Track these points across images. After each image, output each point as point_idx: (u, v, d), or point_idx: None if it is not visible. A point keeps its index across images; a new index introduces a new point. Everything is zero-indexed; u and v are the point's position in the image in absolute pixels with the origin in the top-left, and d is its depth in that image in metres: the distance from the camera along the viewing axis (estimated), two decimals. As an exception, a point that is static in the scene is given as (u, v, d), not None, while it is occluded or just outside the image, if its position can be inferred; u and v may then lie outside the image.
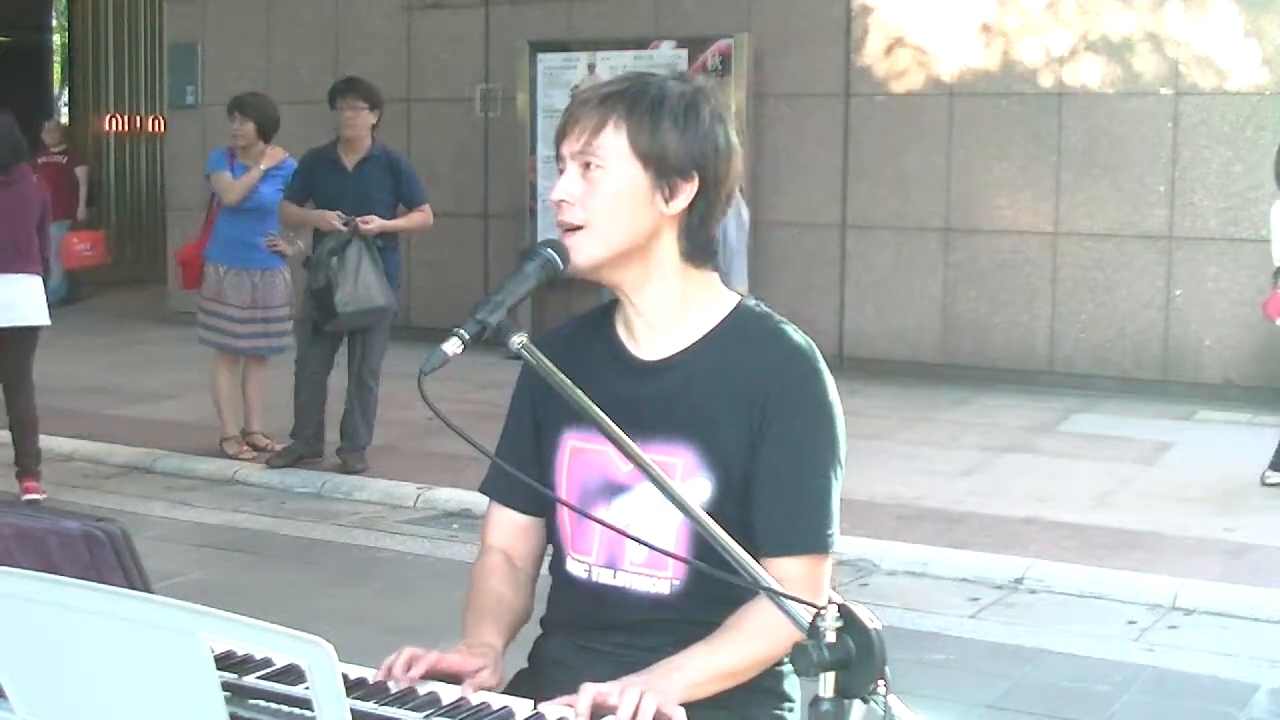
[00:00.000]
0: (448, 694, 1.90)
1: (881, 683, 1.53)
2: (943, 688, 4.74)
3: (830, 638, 1.53)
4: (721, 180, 2.13)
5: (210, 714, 1.43)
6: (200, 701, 1.42)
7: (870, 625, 1.53)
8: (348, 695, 1.46)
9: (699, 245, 2.15)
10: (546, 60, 11.33)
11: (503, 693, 1.98)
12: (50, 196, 7.64)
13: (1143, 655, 5.17)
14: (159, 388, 10.00)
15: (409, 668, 1.93)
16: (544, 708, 1.86)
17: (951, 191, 10.35)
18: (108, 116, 18.48)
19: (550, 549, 2.29)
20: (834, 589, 2.15)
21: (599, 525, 2.13)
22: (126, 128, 18.61)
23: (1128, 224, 9.89)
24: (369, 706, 1.85)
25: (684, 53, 10.76)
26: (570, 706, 1.84)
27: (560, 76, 11.05)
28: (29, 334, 6.89)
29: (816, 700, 1.55)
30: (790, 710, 2.20)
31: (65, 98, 19.33)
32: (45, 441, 7.21)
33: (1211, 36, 9.61)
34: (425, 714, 1.84)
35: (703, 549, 1.98)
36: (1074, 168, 10.00)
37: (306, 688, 1.42)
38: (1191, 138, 9.69)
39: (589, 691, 1.84)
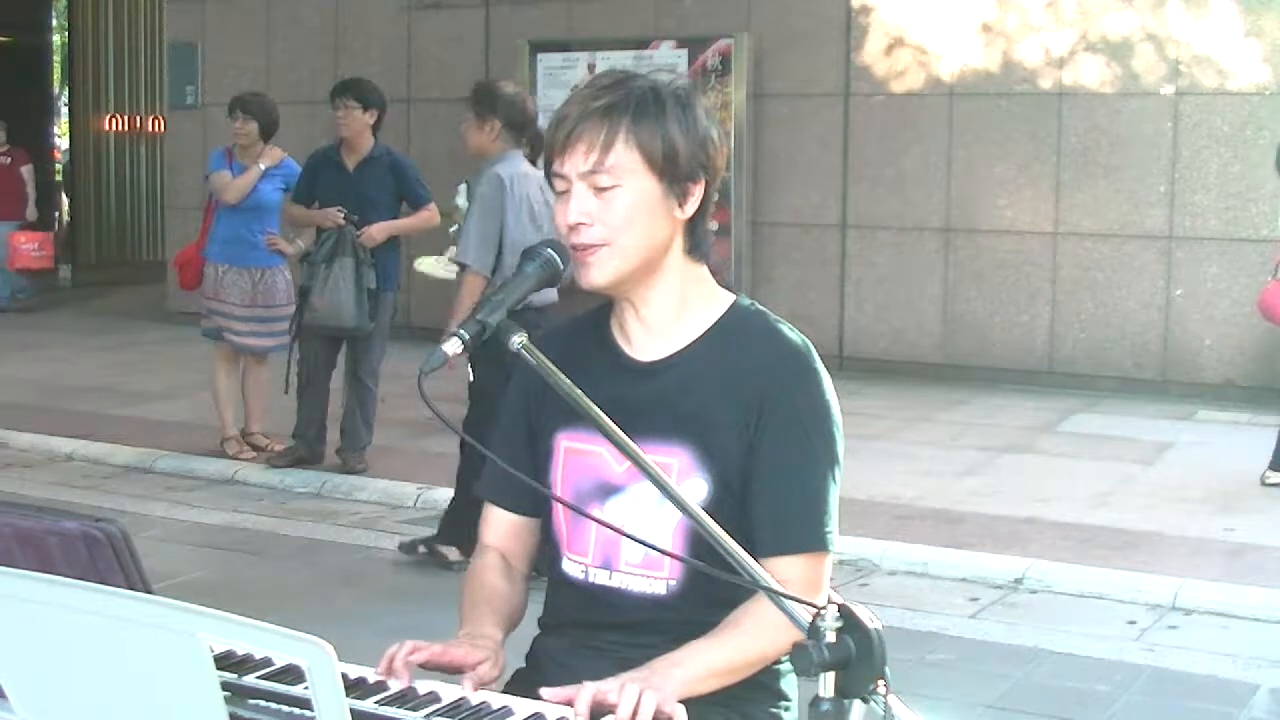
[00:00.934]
0: (448, 693, 1.90)
1: (881, 683, 1.53)
2: (943, 688, 4.74)
3: (830, 638, 1.53)
4: (717, 173, 2.14)
5: (210, 714, 1.43)
6: (200, 701, 1.42)
7: (870, 625, 1.53)
8: (347, 695, 1.46)
9: (699, 239, 2.16)
10: (546, 60, 11.33)
11: (501, 692, 1.98)
12: None
13: (1143, 655, 5.17)
14: (159, 388, 10.00)
15: (410, 656, 1.93)
16: (543, 707, 1.85)
17: (951, 191, 10.35)
18: (108, 116, 18.47)
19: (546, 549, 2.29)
20: (834, 589, 2.16)
21: (595, 526, 2.13)
22: (126, 128, 18.61)
23: (1128, 224, 9.89)
24: (369, 706, 1.85)
25: (684, 53, 10.76)
26: (569, 704, 1.83)
27: (560, 76, 11.04)
28: None
29: (816, 700, 1.55)
30: (787, 709, 2.20)
31: (65, 98, 19.31)
32: (45, 441, 7.21)
33: (1211, 36, 9.61)
34: (425, 714, 1.84)
35: (700, 550, 1.98)
36: (1074, 168, 10.00)
37: (306, 688, 1.42)
38: (1191, 138, 9.69)
39: (589, 690, 1.84)
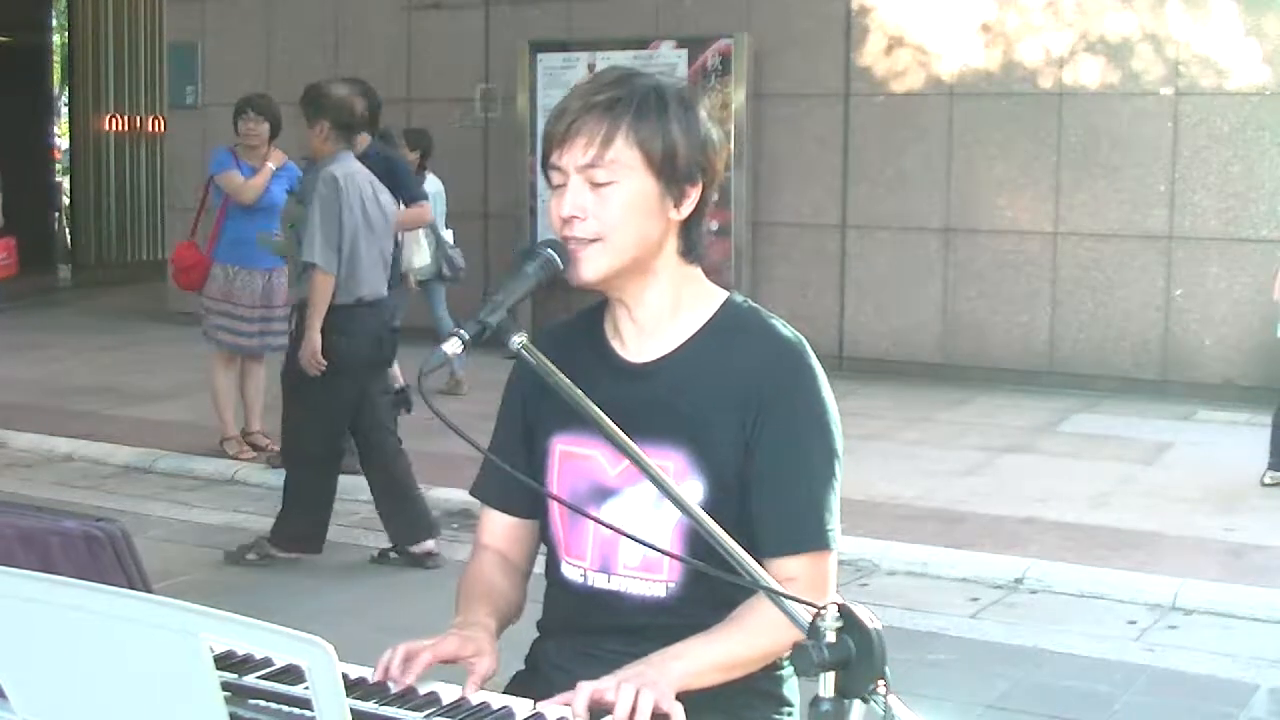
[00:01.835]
0: (448, 694, 1.90)
1: (881, 683, 1.53)
2: (943, 688, 4.74)
3: (830, 638, 1.53)
4: (716, 175, 2.13)
5: (210, 714, 1.43)
6: (200, 701, 1.42)
7: (870, 625, 1.53)
8: (347, 695, 1.46)
9: (694, 241, 2.15)
10: (546, 60, 11.33)
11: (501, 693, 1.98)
12: None
13: (1143, 655, 5.17)
14: (159, 388, 10.00)
15: (406, 662, 1.93)
16: (542, 707, 1.86)
17: (951, 191, 10.35)
18: (108, 116, 18.48)
19: (544, 552, 2.28)
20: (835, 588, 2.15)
21: (593, 530, 2.12)
22: (126, 128, 18.61)
23: (1128, 224, 9.89)
24: (369, 706, 1.85)
25: (684, 53, 10.76)
26: (568, 705, 1.84)
27: (560, 76, 11.04)
28: None
29: (816, 700, 1.55)
30: (789, 714, 2.19)
31: (65, 98, 19.32)
32: (45, 441, 7.21)
33: (1211, 36, 9.61)
34: (425, 714, 1.84)
35: (698, 553, 1.97)
36: (1074, 168, 10.00)
37: (306, 688, 1.42)
38: (1191, 138, 9.69)
39: (585, 689, 1.84)
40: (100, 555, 1.67)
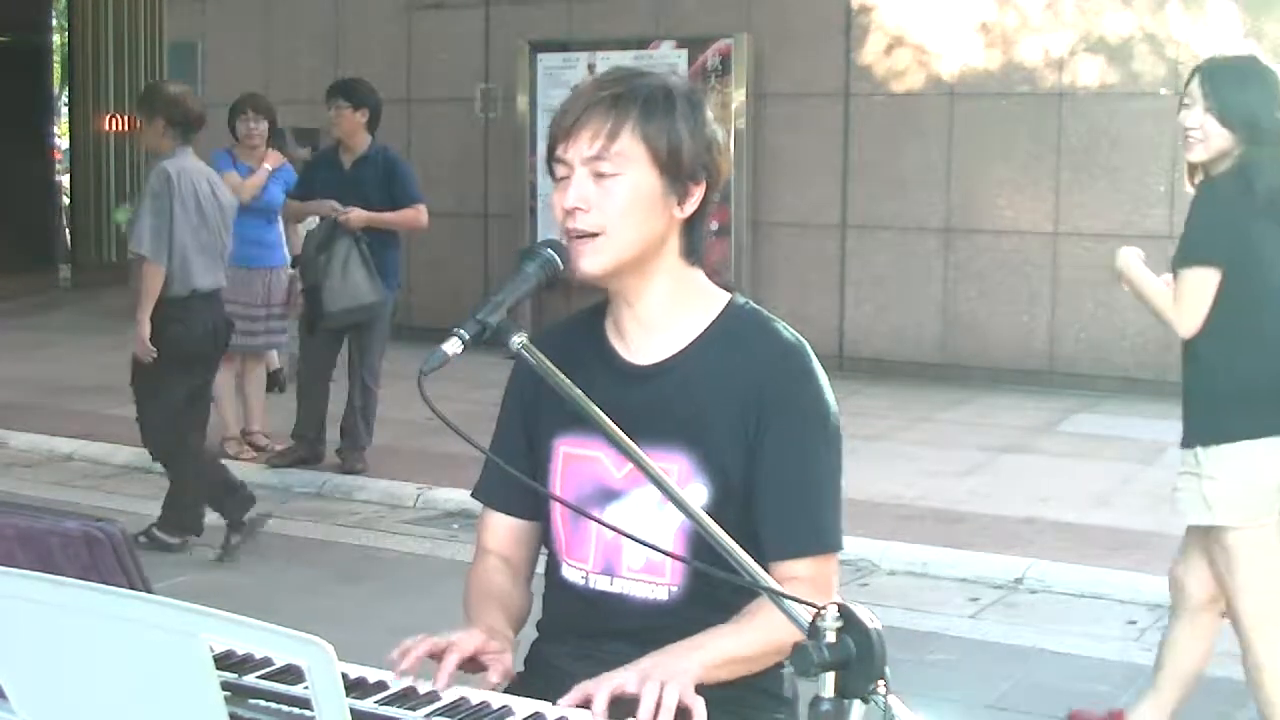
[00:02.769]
0: (448, 693, 1.90)
1: (881, 683, 1.53)
2: (943, 688, 4.74)
3: (830, 638, 1.53)
4: (719, 176, 2.13)
5: (210, 714, 1.43)
6: (200, 701, 1.42)
7: (870, 625, 1.53)
8: (347, 695, 1.46)
9: (696, 242, 2.15)
10: (546, 60, 11.33)
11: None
12: None
13: (1143, 655, 5.16)
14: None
15: (430, 657, 1.92)
16: (543, 705, 1.85)
17: (951, 191, 10.35)
18: (108, 116, 18.47)
19: (545, 554, 2.28)
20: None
21: (595, 532, 2.12)
22: (126, 128, 18.60)
23: (1128, 224, 9.88)
24: (369, 706, 1.85)
25: (684, 53, 10.76)
26: (585, 707, 1.82)
27: (560, 76, 11.04)
28: None
29: (816, 700, 1.55)
30: (790, 713, 2.20)
31: (65, 98, 19.31)
32: (45, 441, 7.21)
33: (1211, 37, 9.61)
34: (425, 713, 1.84)
35: (701, 555, 1.97)
36: (1074, 168, 10.00)
37: (306, 688, 1.42)
38: (1191, 138, 9.68)
39: (606, 684, 1.82)
40: (100, 555, 1.67)
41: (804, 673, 1.57)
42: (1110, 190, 9.93)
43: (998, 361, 10.23)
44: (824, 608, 1.55)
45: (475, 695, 1.90)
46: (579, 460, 2.15)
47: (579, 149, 2.05)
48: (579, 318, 2.26)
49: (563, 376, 1.89)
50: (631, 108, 2.05)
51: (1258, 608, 3.83)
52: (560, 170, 2.09)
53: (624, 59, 10.48)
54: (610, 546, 2.13)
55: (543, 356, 1.91)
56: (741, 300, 2.21)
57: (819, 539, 2.09)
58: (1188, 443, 3.83)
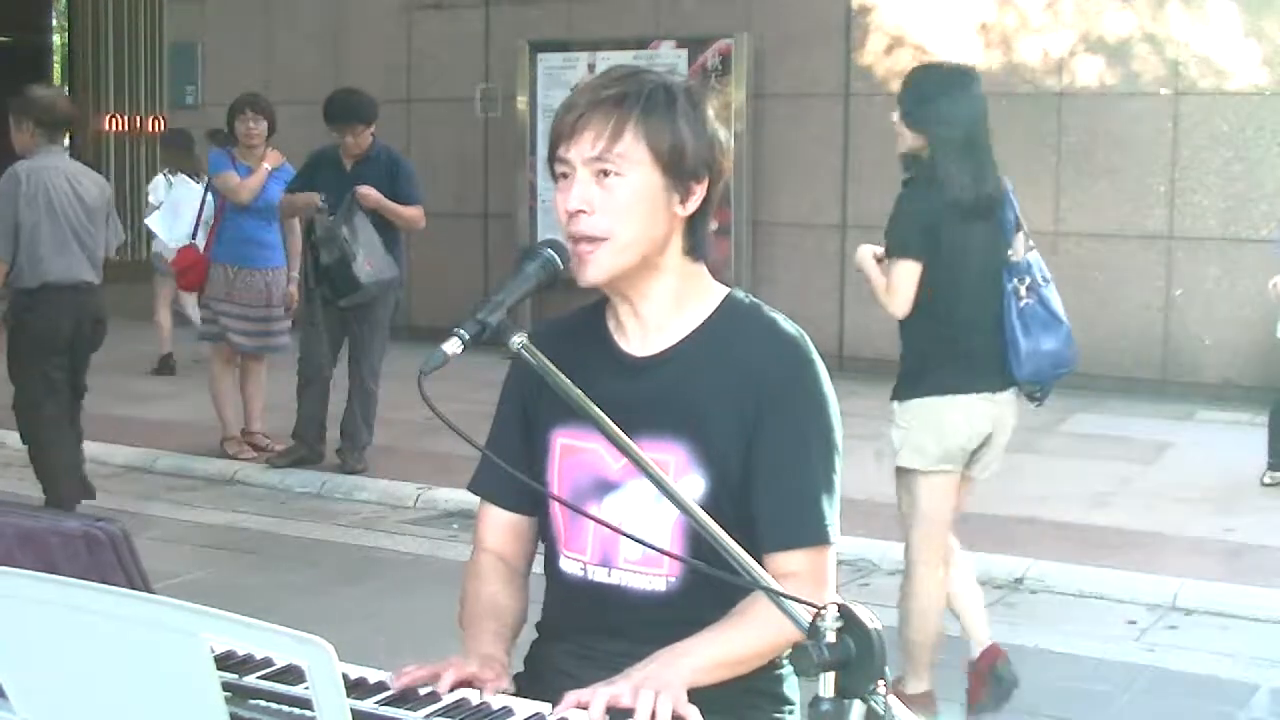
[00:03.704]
0: (448, 694, 1.90)
1: (881, 683, 1.53)
2: (943, 688, 4.74)
3: (830, 638, 1.53)
4: (721, 174, 2.13)
5: (210, 714, 1.43)
6: (200, 701, 1.42)
7: (870, 625, 1.53)
8: (348, 695, 1.46)
9: (699, 239, 2.15)
10: (546, 60, 11.33)
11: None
12: None
13: (1143, 655, 5.17)
14: (159, 388, 10.00)
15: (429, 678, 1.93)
16: (543, 706, 1.85)
17: (951, 191, 10.34)
18: (108, 116, 18.47)
19: (543, 547, 2.28)
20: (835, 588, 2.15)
21: (592, 523, 2.12)
22: (126, 128, 18.61)
23: (1128, 224, 9.89)
24: (369, 706, 1.85)
25: (684, 53, 10.77)
26: (582, 707, 1.83)
27: (560, 76, 11.05)
28: None
29: (816, 700, 1.55)
30: (790, 713, 2.19)
31: (65, 98, 19.28)
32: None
33: (1211, 36, 9.61)
34: (425, 714, 1.84)
35: (699, 547, 1.97)
36: (1074, 168, 10.00)
37: (306, 688, 1.42)
38: (1191, 138, 9.69)
39: (602, 695, 1.83)
40: (100, 555, 1.67)
41: (804, 672, 1.57)
42: (1110, 190, 9.93)
43: (998, 361, 10.21)
44: (824, 608, 1.55)
45: (475, 696, 1.90)
46: (576, 452, 2.16)
47: (581, 150, 2.05)
48: (580, 313, 2.27)
49: (561, 375, 1.89)
50: (633, 107, 2.04)
51: (923, 544, 4.43)
52: (562, 170, 2.09)
53: (624, 59, 10.48)
54: (608, 538, 2.13)
55: (543, 356, 1.91)
56: (741, 294, 2.21)
57: (813, 531, 2.08)
58: (891, 397, 4.59)
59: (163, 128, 14.99)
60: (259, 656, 1.89)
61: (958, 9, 10.28)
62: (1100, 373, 9.92)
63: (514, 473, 2.08)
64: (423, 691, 1.90)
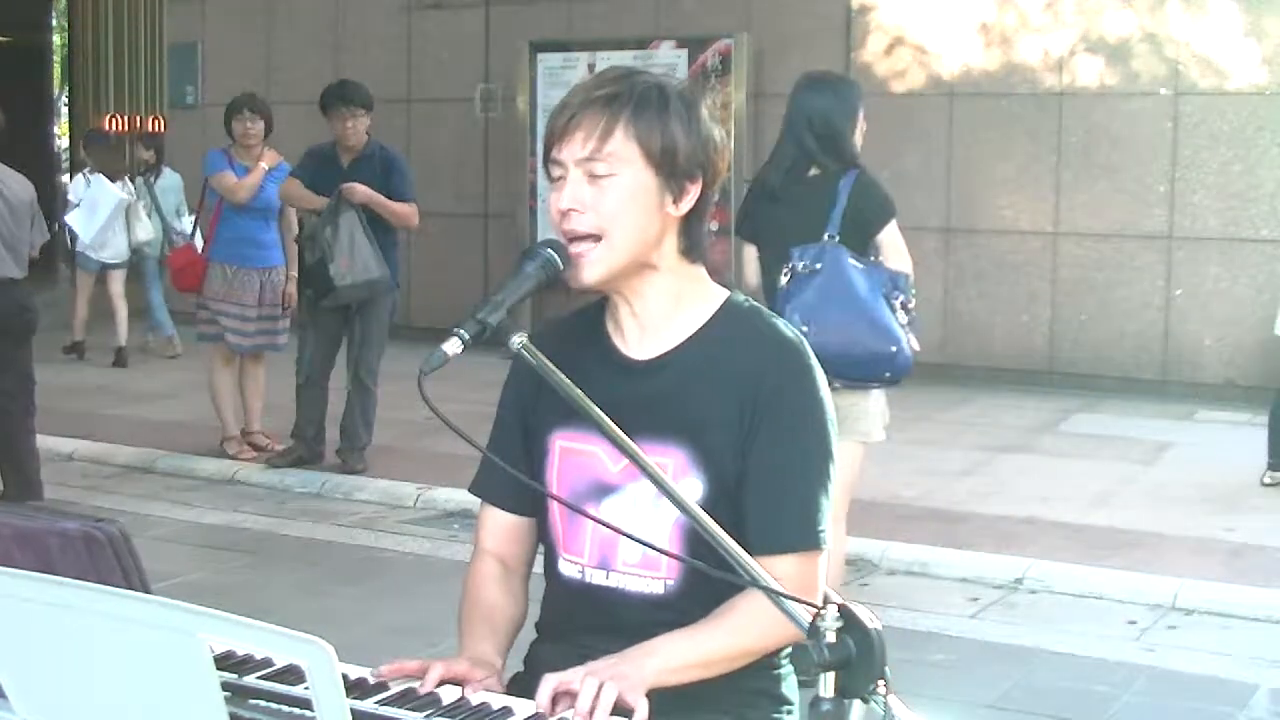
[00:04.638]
0: (448, 694, 1.90)
1: (881, 683, 1.53)
2: (943, 688, 4.74)
3: (830, 638, 1.53)
4: (717, 174, 2.13)
5: (210, 714, 1.43)
6: (200, 701, 1.42)
7: (870, 625, 1.53)
8: (347, 695, 1.46)
9: (695, 240, 2.15)
10: (546, 60, 11.33)
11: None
12: None
13: (1143, 655, 5.16)
14: (159, 388, 10.00)
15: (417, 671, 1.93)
16: (518, 702, 1.86)
17: (951, 191, 10.35)
18: (108, 116, 18.46)
19: (542, 549, 2.28)
20: (834, 589, 2.15)
21: (591, 526, 2.12)
22: (126, 128, 18.59)
23: (1128, 224, 9.89)
24: (369, 706, 1.85)
25: (684, 53, 10.76)
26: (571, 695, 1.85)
27: (560, 76, 11.04)
28: None
29: (816, 700, 1.55)
30: (789, 713, 2.19)
31: (65, 98, 19.30)
32: (45, 441, 7.19)
33: (1211, 36, 9.61)
34: (425, 714, 1.84)
35: (698, 550, 1.97)
36: (1074, 168, 10.00)
37: (306, 688, 1.42)
38: (1191, 138, 9.69)
39: (550, 681, 1.86)
40: (100, 555, 1.67)
41: (804, 672, 1.57)
42: (1110, 190, 9.93)
43: (998, 361, 10.23)
44: (824, 608, 1.55)
45: (475, 696, 1.90)
46: (575, 455, 2.16)
47: (573, 150, 2.05)
48: (578, 314, 2.27)
49: (561, 375, 1.89)
50: (624, 107, 2.04)
51: (846, 504, 4.91)
52: (555, 171, 2.09)
53: (624, 59, 10.48)
54: (606, 540, 2.13)
55: (542, 356, 1.91)
56: (740, 298, 2.21)
57: (804, 536, 2.08)
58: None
59: (163, 128, 14.99)
60: (258, 656, 1.89)
61: (958, 9, 10.28)
62: (1100, 373, 9.94)
63: (514, 473, 2.08)
64: (422, 691, 1.90)
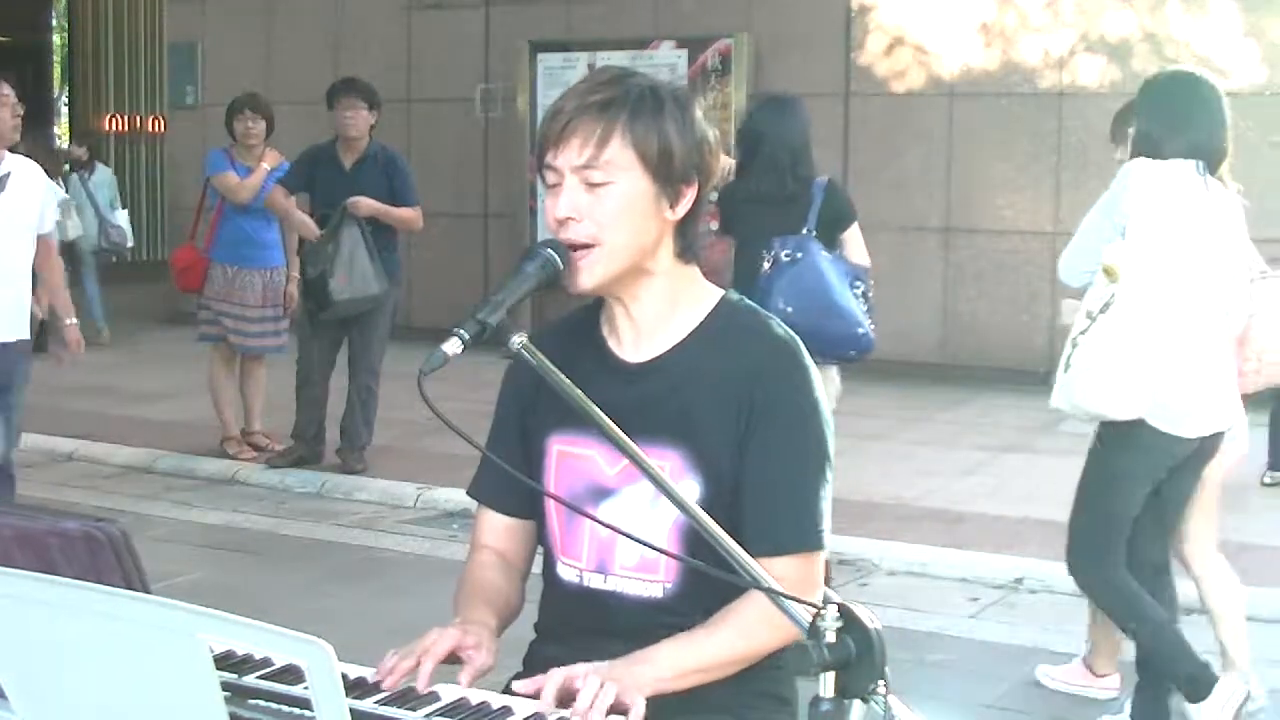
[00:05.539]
0: (447, 693, 1.90)
1: (881, 683, 1.53)
2: (943, 688, 4.74)
3: (830, 638, 1.53)
4: (711, 176, 2.13)
5: (210, 714, 1.43)
6: (200, 701, 1.42)
7: (870, 625, 1.53)
8: (347, 695, 1.46)
9: (690, 242, 2.15)
10: (546, 60, 11.33)
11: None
12: None
13: (1143, 655, 5.15)
14: (159, 388, 10.00)
15: (408, 671, 1.93)
16: (543, 706, 1.85)
17: (951, 191, 10.35)
18: (108, 116, 18.48)
19: (541, 552, 2.28)
20: (834, 589, 2.15)
21: (589, 529, 2.12)
22: (126, 128, 18.61)
23: (1128, 224, 9.88)
24: (369, 706, 1.85)
25: (684, 53, 10.77)
26: (539, 692, 1.85)
27: (560, 76, 11.05)
28: None
29: (816, 700, 1.55)
30: (790, 713, 2.19)
31: (65, 98, 19.32)
32: (45, 441, 7.21)
33: (1211, 36, 9.61)
34: (425, 713, 1.84)
35: (695, 552, 1.98)
36: (1074, 168, 10.00)
37: (306, 688, 1.42)
38: (1191, 138, 9.68)
39: (557, 675, 1.86)
40: (100, 556, 1.67)
41: (804, 672, 1.57)
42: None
43: (998, 361, 10.23)
44: (824, 608, 1.55)
45: (475, 695, 1.90)
46: (572, 458, 2.15)
47: (569, 157, 2.04)
48: (574, 317, 2.27)
49: (561, 376, 1.89)
50: (619, 113, 2.03)
51: None
52: (551, 178, 2.07)
53: (624, 59, 10.49)
54: (604, 544, 2.13)
55: (542, 356, 1.91)
56: (735, 297, 2.21)
57: (802, 537, 2.08)
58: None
59: (163, 128, 15.01)
60: (258, 656, 1.90)
61: (958, 9, 10.28)
62: (1100, 373, 9.93)
63: (513, 472, 2.08)
64: (423, 691, 1.90)
